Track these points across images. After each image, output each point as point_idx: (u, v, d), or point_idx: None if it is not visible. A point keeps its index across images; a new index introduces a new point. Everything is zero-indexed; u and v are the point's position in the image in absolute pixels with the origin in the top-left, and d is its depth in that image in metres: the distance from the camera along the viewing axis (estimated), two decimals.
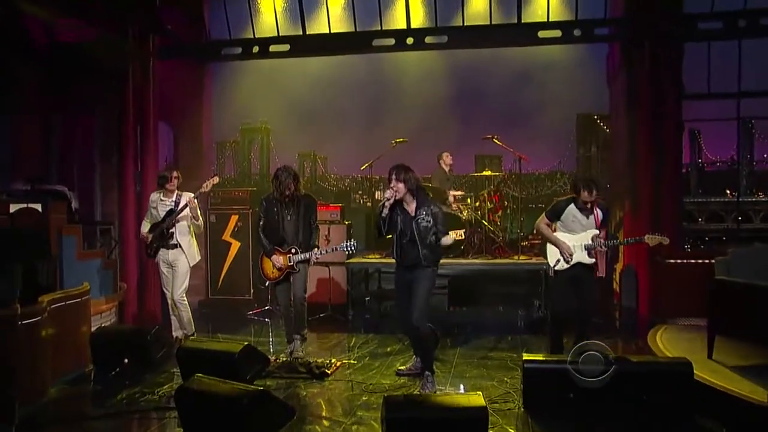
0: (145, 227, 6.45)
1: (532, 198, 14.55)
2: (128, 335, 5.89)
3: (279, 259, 5.78)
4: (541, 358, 4.89)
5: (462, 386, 5.27)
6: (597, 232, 5.54)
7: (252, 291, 8.66)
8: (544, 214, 5.67)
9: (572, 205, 5.54)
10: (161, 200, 6.33)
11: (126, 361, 5.59)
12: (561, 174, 15.62)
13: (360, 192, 16.14)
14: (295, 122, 14.25)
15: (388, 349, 6.38)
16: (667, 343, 6.08)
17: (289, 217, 5.79)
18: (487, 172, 9.19)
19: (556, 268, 5.56)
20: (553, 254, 5.59)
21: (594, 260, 5.56)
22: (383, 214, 5.09)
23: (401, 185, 5.03)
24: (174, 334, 6.40)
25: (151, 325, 6.21)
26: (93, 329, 5.92)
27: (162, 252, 6.31)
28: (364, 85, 13.55)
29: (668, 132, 7.46)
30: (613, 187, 9.42)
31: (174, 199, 6.28)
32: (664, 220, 7.25)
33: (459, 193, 8.99)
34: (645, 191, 7.56)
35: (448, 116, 13.64)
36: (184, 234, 6.30)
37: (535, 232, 6.09)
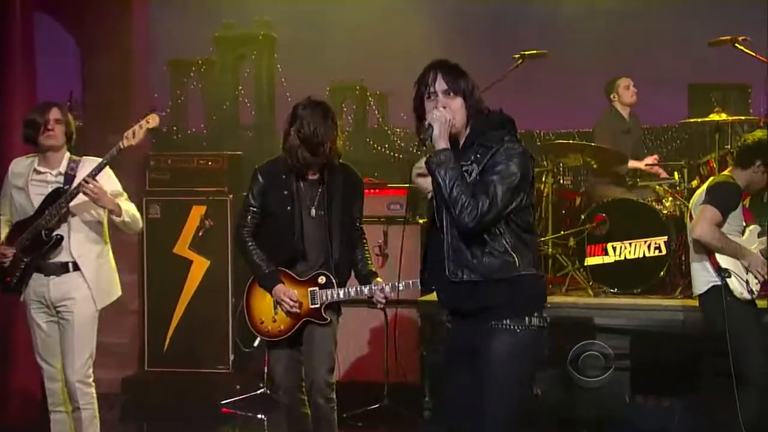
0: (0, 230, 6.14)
1: None
2: None
3: (291, 295, 5.59)
4: None
5: None
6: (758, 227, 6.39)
7: (232, 358, 8.69)
8: (715, 210, 6.10)
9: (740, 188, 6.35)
10: (37, 172, 6.00)
11: None
12: None
13: None
14: (323, 26, 14.64)
15: None
16: None
17: (314, 210, 5.63)
18: (718, 116, 8.30)
19: (746, 297, 6.10)
20: (738, 274, 6.08)
21: None
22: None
23: (458, 102, 4.22)
24: None
25: None
26: None
27: (35, 282, 5.90)
28: None
29: None
30: None
31: (63, 168, 5.96)
32: None
33: (655, 163, 8.93)
34: None
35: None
36: (87, 241, 5.98)
37: (705, 241, 6.32)
